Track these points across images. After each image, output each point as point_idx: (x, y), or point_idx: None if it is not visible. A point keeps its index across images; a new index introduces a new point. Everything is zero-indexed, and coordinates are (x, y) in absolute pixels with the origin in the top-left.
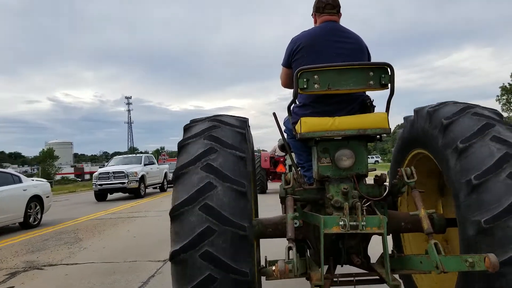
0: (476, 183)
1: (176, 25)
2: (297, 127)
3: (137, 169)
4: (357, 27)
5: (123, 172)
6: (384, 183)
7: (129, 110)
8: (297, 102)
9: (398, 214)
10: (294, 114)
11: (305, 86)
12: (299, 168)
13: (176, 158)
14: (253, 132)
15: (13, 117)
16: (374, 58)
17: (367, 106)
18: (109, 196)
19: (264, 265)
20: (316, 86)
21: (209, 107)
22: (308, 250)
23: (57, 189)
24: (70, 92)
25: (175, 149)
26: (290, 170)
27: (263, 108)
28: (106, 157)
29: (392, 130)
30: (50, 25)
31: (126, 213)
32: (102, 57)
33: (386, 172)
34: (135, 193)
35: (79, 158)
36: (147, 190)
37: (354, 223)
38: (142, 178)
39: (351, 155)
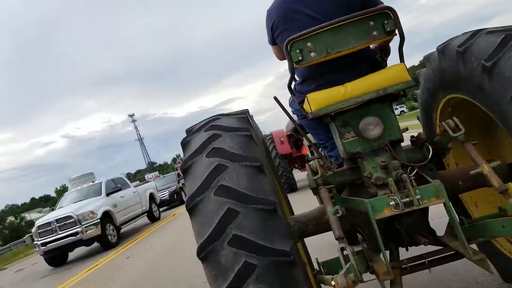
0: None
1: (156, 34)
2: (305, 106)
3: (94, 205)
4: None
5: (70, 216)
6: (425, 143)
7: (136, 127)
8: (297, 79)
9: (452, 173)
10: (298, 92)
11: (300, 58)
12: (321, 149)
13: None
14: (259, 117)
15: (34, 163)
16: None
17: (378, 63)
18: (76, 251)
19: (317, 269)
20: (312, 54)
21: (212, 104)
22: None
23: None
24: (80, 125)
25: None
26: (311, 152)
27: (263, 91)
28: (129, 178)
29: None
30: (40, 67)
31: None
32: (98, 83)
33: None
34: (101, 243)
35: None
36: (128, 227)
37: (407, 199)
38: (107, 216)
39: (377, 122)
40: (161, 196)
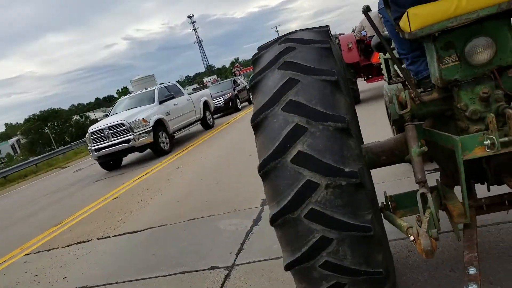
0: None
1: None
2: (403, 23)
3: (147, 112)
4: None
5: (122, 124)
6: None
7: (195, 29)
8: None
9: None
10: (394, 4)
11: None
12: (404, 66)
13: (251, 67)
14: (324, 17)
15: (99, 64)
16: None
17: None
18: (130, 156)
19: (383, 203)
20: None
21: (273, 3)
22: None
23: None
24: (140, 26)
25: (251, 57)
26: (387, 66)
27: None
28: (188, 81)
29: None
30: None
31: None
32: None
33: None
34: (153, 150)
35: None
36: (182, 134)
37: (506, 138)
38: (160, 124)
39: (489, 44)
40: (216, 103)
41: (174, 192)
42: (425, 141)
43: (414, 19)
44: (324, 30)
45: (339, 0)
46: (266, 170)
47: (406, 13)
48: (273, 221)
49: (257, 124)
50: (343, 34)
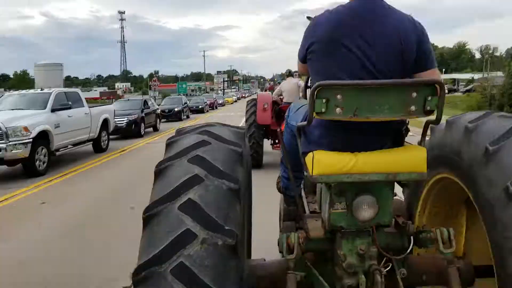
0: None
1: None
2: (308, 162)
3: (32, 120)
4: None
5: None
6: (408, 235)
7: (122, 27)
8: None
9: (419, 263)
10: (305, 139)
11: (323, 110)
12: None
13: (169, 85)
14: (251, 56)
15: (3, 34)
16: None
17: (401, 135)
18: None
19: None
20: (338, 110)
21: (208, 26)
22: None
23: None
24: (65, 6)
25: (172, 73)
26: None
27: (262, 28)
28: (99, 81)
29: None
30: None
31: None
32: None
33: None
34: (25, 168)
35: (71, 81)
36: (66, 151)
37: None
38: (43, 137)
39: (373, 203)
40: (118, 122)
41: (18, 245)
42: (305, 276)
43: (318, 165)
44: (241, 132)
45: (267, 43)
46: (151, 213)
47: (312, 154)
48: (135, 275)
49: (148, 217)
50: (265, 84)
